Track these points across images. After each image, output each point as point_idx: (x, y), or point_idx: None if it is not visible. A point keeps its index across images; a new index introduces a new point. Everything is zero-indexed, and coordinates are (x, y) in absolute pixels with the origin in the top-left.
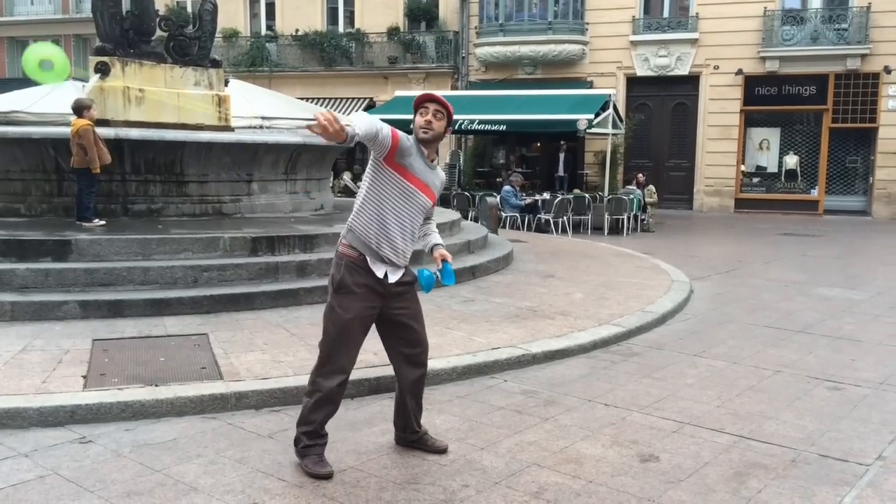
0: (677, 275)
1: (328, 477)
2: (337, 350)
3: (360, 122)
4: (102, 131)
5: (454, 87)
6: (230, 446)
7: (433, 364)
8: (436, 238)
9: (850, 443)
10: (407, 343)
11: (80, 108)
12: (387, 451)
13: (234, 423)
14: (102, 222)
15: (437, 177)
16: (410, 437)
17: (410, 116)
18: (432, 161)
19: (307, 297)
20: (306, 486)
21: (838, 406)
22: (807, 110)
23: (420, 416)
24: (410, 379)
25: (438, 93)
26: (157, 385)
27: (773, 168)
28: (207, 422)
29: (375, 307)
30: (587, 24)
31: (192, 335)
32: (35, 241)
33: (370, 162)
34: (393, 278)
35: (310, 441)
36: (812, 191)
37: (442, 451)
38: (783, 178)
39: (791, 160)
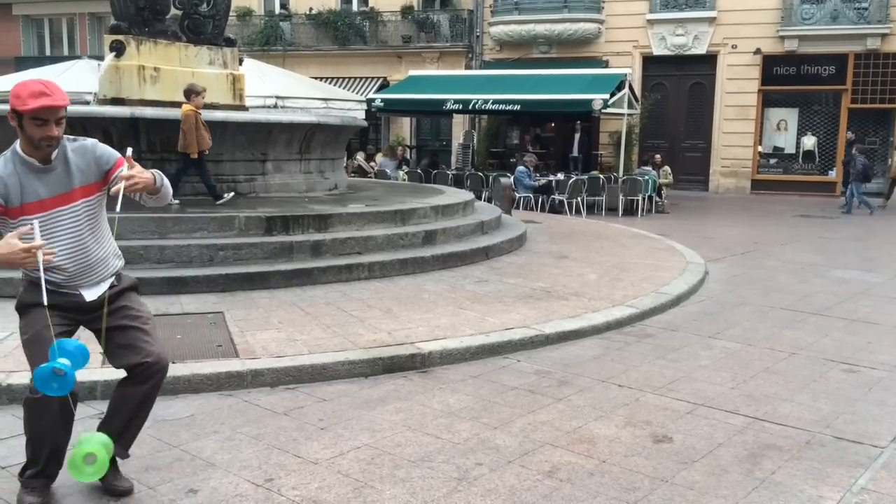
0: (692, 256)
1: None
2: None
3: None
4: (117, 110)
5: (468, 67)
6: (246, 423)
7: (446, 343)
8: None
9: (865, 425)
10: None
11: (188, 93)
12: (401, 429)
13: (250, 401)
14: (177, 202)
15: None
16: None
17: (424, 96)
18: (49, 159)
19: (321, 276)
20: (321, 463)
21: (853, 388)
22: (825, 90)
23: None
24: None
25: (452, 72)
26: (174, 362)
27: (790, 149)
28: (224, 399)
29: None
30: (603, 2)
31: (209, 313)
32: None
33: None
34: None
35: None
36: (830, 172)
37: (125, 493)
38: (801, 160)
39: (809, 141)
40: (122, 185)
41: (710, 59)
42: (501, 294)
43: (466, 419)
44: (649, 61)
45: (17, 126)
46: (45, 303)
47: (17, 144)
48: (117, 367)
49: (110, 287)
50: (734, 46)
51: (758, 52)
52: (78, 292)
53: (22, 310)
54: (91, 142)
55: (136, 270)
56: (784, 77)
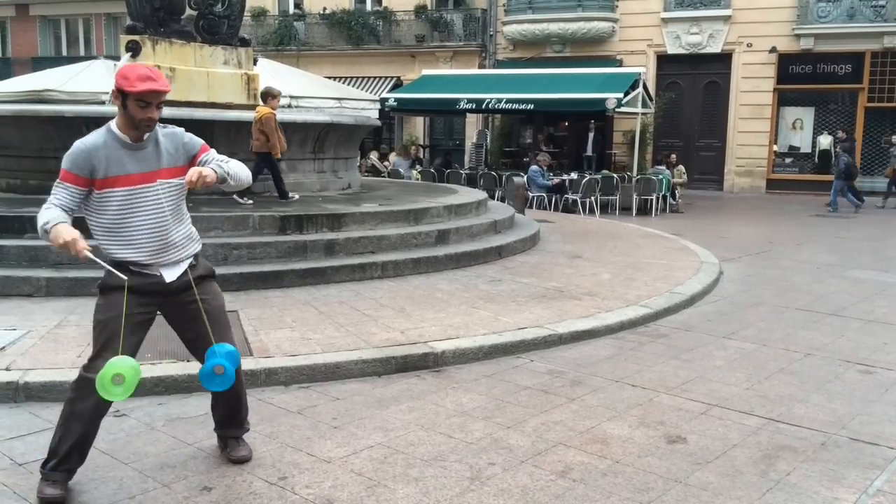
0: (706, 256)
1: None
2: None
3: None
4: None
5: (482, 66)
6: (260, 421)
7: (459, 343)
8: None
9: (881, 426)
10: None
11: (266, 96)
12: (414, 428)
13: (264, 399)
14: (251, 202)
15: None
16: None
17: (437, 95)
18: (141, 139)
19: (335, 275)
20: (335, 462)
21: (869, 390)
22: (842, 89)
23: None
24: None
25: (465, 72)
26: (188, 360)
27: (806, 148)
28: None
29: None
30: (617, 1)
31: None
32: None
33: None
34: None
35: None
36: None
37: (238, 460)
38: (816, 159)
39: (825, 140)
40: (191, 179)
41: (724, 58)
42: (514, 293)
43: (479, 419)
44: (664, 60)
45: (119, 105)
46: (125, 278)
47: (113, 123)
48: (197, 358)
49: (190, 267)
50: (749, 45)
51: (773, 50)
52: (158, 273)
53: (103, 289)
54: (180, 130)
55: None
56: (800, 76)
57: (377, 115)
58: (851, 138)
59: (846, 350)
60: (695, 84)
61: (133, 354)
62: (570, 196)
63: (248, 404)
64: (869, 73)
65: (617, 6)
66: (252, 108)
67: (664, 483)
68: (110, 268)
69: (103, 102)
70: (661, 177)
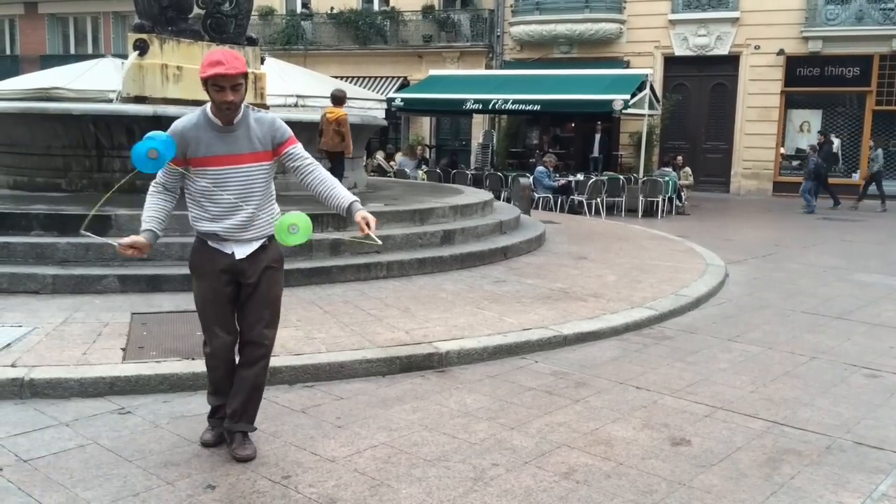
0: (712, 258)
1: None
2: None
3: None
4: (140, 108)
5: (489, 66)
6: (264, 420)
7: (464, 343)
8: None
9: (887, 431)
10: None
11: (339, 99)
12: (418, 428)
13: (268, 398)
14: None
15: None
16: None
17: (444, 95)
18: (231, 122)
19: (340, 274)
20: (338, 461)
21: (875, 394)
22: (850, 92)
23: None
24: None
25: (472, 72)
26: (193, 359)
27: None
28: None
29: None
30: (625, 2)
31: None
32: (76, 215)
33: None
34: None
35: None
36: (854, 175)
37: (246, 459)
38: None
39: (832, 143)
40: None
41: (732, 60)
42: (519, 294)
43: (483, 419)
44: (671, 62)
45: (206, 90)
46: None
47: (208, 106)
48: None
49: (261, 248)
50: (757, 47)
51: (781, 52)
52: (231, 251)
53: (193, 272)
54: (271, 116)
55: (156, 267)
56: (807, 78)
57: (383, 115)
58: (829, 140)
59: (852, 354)
60: (702, 86)
61: (232, 325)
62: (576, 197)
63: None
64: (877, 77)
65: (624, 7)
66: (259, 106)
67: (668, 485)
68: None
69: (111, 100)
70: (667, 178)
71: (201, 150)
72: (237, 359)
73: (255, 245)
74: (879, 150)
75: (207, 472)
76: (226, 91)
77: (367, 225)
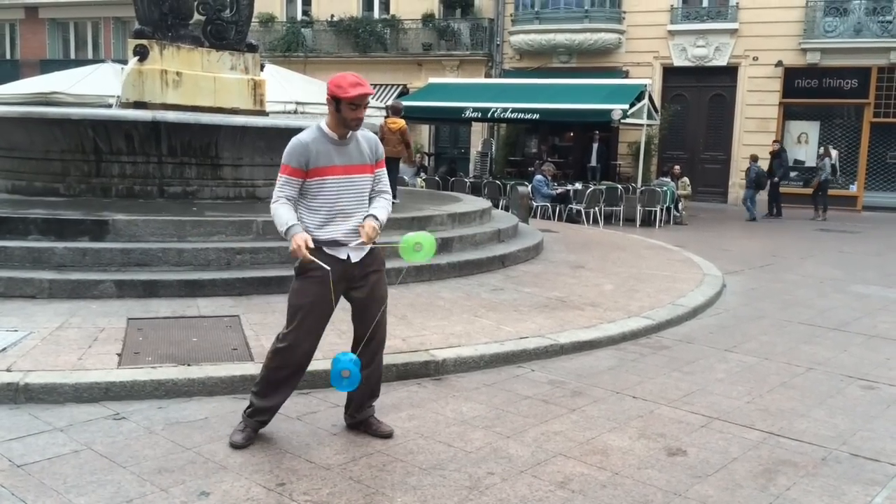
0: (709, 268)
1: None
2: None
3: (280, 218)
4: (139, 114)
5: (488, 75)
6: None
7: (461, 351)
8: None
9: (883, 442)
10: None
11: (398, 110)
12: (413, 436)
13: None
14: (397, 200)
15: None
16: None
17: (443, 103)
18: (345, 137)
19: None
20: (333, 469)
21: (871, 405)
22: (848, 104)
23: (367, 399)
24: None
25: (471, 80)
26: (189, 365)
27: (811, 162)
28: (238, 402)
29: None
30: (624, 12)
31: (225, 316)
32: (73, 220)
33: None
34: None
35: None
36: (851, 186)
37: (386, 435)
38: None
39: (785, 151)
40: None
41: (730, 71)
42: (517, 303)
43: (479, 428)
44: (669, 72)
45: (333, 109)
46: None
47: (323, 122)
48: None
49: (369, 252)
50: (755, 58)
51: (779, 64)
52: (346, 255)
53: (303, 273)
54: (373, 135)
55: (153, 272)
56: (806, 90)
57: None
58: (783, 148)
59: (848, 365)
60: (700, 97)
61: (322, 333)
62: (574, 206)
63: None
64: (875, 89)
65: (624, 18)
66: (259, 113)
67: (664, 496)
68: (322, 264)
69: (110, 105)
70: (665, 188)
71: (321, 160)
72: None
73: (367, 249)
74: (827, 160)
75: (202, 479)
76: (360, 109)
77: (365, 232)
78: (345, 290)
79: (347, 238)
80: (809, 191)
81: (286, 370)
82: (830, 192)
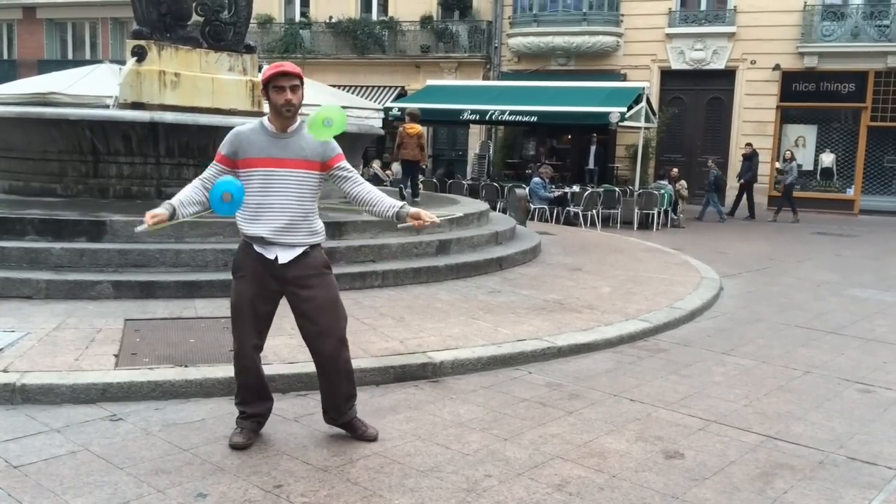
0: (707, 271)
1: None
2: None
3: (185, 198)
4: (137, 114)
5: (486, 77)
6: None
7: (458, 353)
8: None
9: (880, 446)
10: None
11: (417, 117)
12: (410, 438)
13: None
14: (418, 199)
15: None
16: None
17: (441, 105)
18: (286, 130)
19: None
20: (330, 471)
21: (868, 409)
22: (845, 108)
23: (343, 402)
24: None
25: (469, 83)
26: (186, 366)
27: (808, 166)
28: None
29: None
30: (622, 15)
31: (222, 318)
32: (71, 221)
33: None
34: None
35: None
36: (848, 190)
37: (371, 439)
38: (819, 177)
39: (827, 158)
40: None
41: (728, 75)
42: (514, 305)
43: (477, 430)
44: (667, 75)
45: (266, 97)
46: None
47: (265, 117)
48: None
49: (303, 254)
50: (753, 62)
51: (777, 67)
52: (274, 256)
53: (235, 274)
54: None
55: (151, 273)
56: (803, 94)
57: (381, 125)
58: (755, 152)
59: (845, 368)
60: (698, 100)
61: (263, 331)
62: (572, 209)
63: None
64: (872, 93)
65: (622, 21)
66: (256, 114)
67: (661, 498)
68: (143, 226)
69: (108, 106)
70: (663, 191)
71: (252, 151)
72: (317, 363)
73: (298, 251)
74: (794, 164)
75: (199, 481)
76: (285, 91)
77: (419, 218)
78: (280, 293)
79: (275, 236)
80: (805, 195)
81: (246, 375)
82: (826, 195)
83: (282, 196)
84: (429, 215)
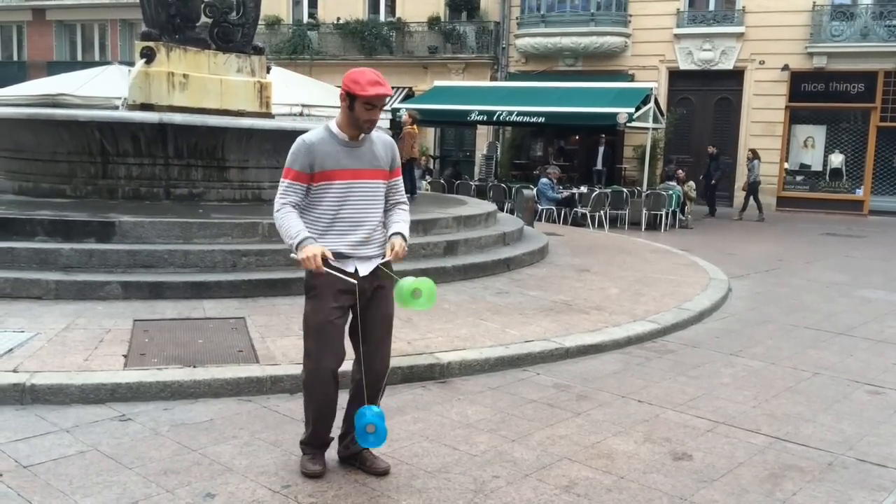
0: (715, 273)
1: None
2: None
3: (285, 230)
4: (146, 115)
5: (493, 78)
6: (265, 429)
7: (466, 354)
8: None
9: (890, 448)
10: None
11: (414, 118)
12: (418, 439)
13: (269, 406)
14: (416, 195)
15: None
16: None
17: (448, 106)
18: (357, 138)
19: None
20: (337, 471)
21: (878, 410)
22: (854, 108)
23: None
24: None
25: (477, 83)
26: (195, 366)
27: (817, 166)
28: (243, 404)
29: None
30: (630, 16)
31: (230, 318)
32: (80, 222)
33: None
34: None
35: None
36: (857, 191)
37: (381, 473)
38: (828, 177)
39: (836, 159)
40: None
41: (737, 75)
42: (522, 306)
43: (484, 431)
44: (675, 76)
45: (346, 107)
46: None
47: (333, 122)
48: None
49: (382, 265)
50: (762, 62)
51: (786, 68)
52: (354, 269)
53: (310, 291)
54: (389, 138)
55: (160, 274)
56: (812, 94)
57: (388, 125)
58: (719, 151)
59: (855, 370)
60: (706, 100)
61: (343, 348)
62: (580, 210)
63: None
64: (882, 93)
65: (630, 21)
66: (264, 115)
67: (669, 500)
68: (341, 276)
69: (117, 107)
70: (671, 192)
71: (329, 163)
72: (361, 379)
73: (376, 262)
74: (756, 162)
75: (207, 481)
76: (376, 110)
77: (393, 250)
78: (351, 307)
79: (353, 250)
80: (814, 195)
81: (327, 396)
82: (835, 196)
83: (360, 208)
84: (399, 252)
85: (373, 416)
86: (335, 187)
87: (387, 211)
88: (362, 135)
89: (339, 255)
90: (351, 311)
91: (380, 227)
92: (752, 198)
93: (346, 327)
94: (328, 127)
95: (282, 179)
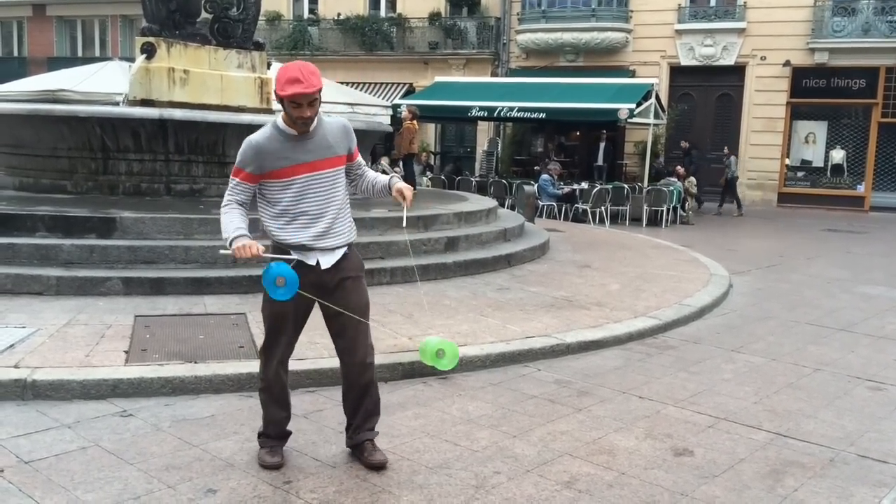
0: (716, 268)
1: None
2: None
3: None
4: (146, 111)
5: (494, 74)
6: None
7: (466, 351)
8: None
9: (891, 444)
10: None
11: (414, 114)
12: (419, 435)
13: None
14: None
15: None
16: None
17: (449, 102)
18: (306, 131)
19: None
20: (339, 467)
21: (879, 406)
22: (855, 104)
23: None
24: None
25: (478, 79)
26: (196, 362)
27: (818, 162)
28: (244, 400)
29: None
30: (631, 11)
31: (231, 314)
32: (81, 217)
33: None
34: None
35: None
36: (858, 186)
37: (377, 465)
38: (829, 173)
39: (837, 155)
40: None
41: (738, 71)
42: (523, 302)
43: (485, 427)
44: (677, 71)
45: (279, 104)
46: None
47: (280, 117)
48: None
49: (343, 257)
50: (763, 58)
51: (787, 63)
52: (315, 261)
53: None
54: (342, 121)
55: (160, 270)
56: (813, 90)
57: (389, 121)
58: (693, 146)
59: (856, 366)
60: (707, 96)
61: (295, 341)
62: (581, 206)
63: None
64: (883, 89)
65: (631, 17)
66: (265, 111)
67: (670, 496)
68: (279, 256)
69: (117, 103)
70: (672, 188)
71: (279, 162)
72: (346, 374)
73: (339, 254)
74: (732, 158)
75: (209, 476)
76: (303, 107)
77: (403, 196)
78: (314, 300)
79: (316, 242)
80: (815, 191)
81: (274, 389)
82: (837, 192)
83: (319, 200)
84: (410, 196)
85: (278, 268)
86: (292, 183)
87: (356, 184)
88: (312, 125)
89: (301, 248)
90: (320, 307)
91: (340, 216)
92: (730, 193)
93: (307, 320)
94: (276, 123)
95: (231, 177)
